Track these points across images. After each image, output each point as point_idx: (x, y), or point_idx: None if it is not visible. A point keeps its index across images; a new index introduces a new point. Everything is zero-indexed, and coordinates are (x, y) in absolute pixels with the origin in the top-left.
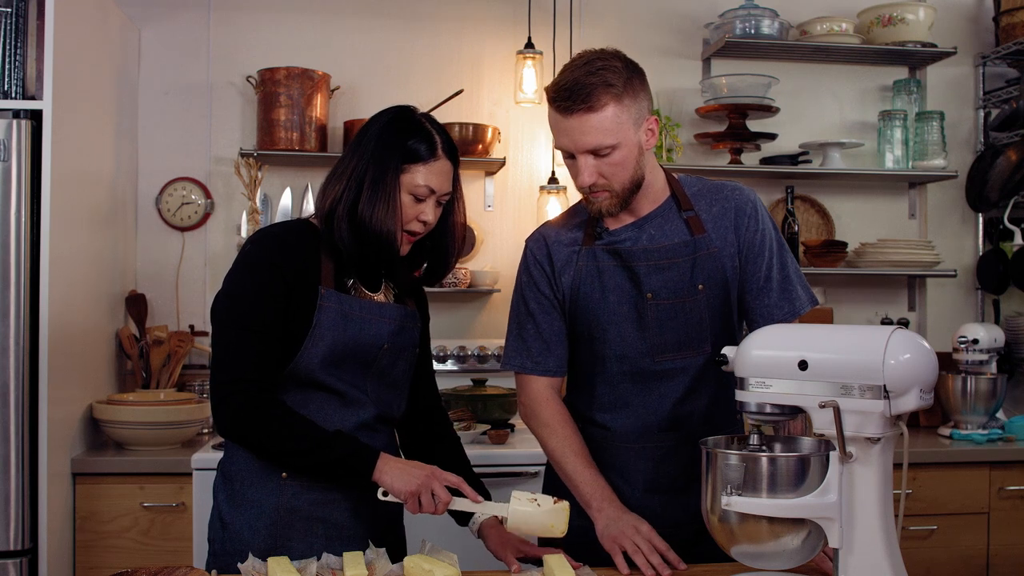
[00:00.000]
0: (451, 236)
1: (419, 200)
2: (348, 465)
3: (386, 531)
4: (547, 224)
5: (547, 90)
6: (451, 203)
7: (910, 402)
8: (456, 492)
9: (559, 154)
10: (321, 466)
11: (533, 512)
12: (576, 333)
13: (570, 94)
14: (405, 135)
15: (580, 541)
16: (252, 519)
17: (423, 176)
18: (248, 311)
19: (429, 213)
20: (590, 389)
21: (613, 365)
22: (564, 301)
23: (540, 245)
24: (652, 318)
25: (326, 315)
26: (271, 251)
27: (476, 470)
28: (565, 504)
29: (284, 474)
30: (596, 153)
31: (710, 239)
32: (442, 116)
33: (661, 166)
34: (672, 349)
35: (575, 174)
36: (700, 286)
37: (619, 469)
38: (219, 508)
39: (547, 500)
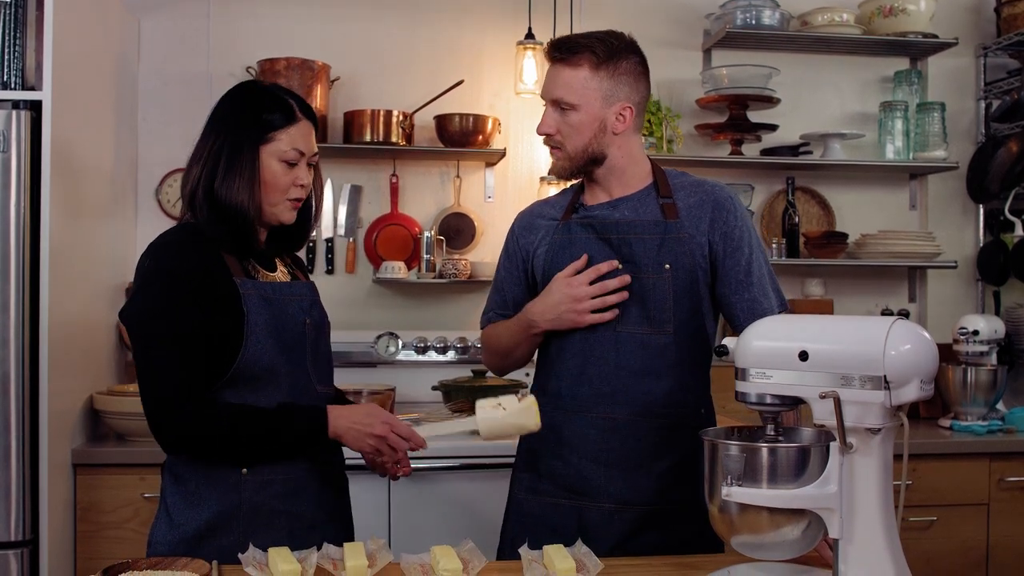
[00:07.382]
0: (313, 195)
1: (292, 165)
2: (306, 436)
3: (341, 514)
4: (538, 201)
5: (548, 43)
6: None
7: (910, 393)
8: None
9: None
10: (284, 447)
11: (501, 417)
12: None
13: (559, 45)
14: (259, 107)
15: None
16: (211, 519)
17: (289, 140)
18: (166, 324)
19: (304, 176)
20: (550, 355)
21: (574, 330)
22: (535, 275)
23: (523, 220)
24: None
25: (252, 302)
26: (168, 259)
27: (475, 461)
28: (531, 399)
29: (244, 470)
30: (559, 106)
31: (682, 225)
32: (442, 107)
33: (654, 158)
34: (633, 322)
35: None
36: (666, 266)
37: (567, 439)
38: (168, 510)
39: (511, 401)
